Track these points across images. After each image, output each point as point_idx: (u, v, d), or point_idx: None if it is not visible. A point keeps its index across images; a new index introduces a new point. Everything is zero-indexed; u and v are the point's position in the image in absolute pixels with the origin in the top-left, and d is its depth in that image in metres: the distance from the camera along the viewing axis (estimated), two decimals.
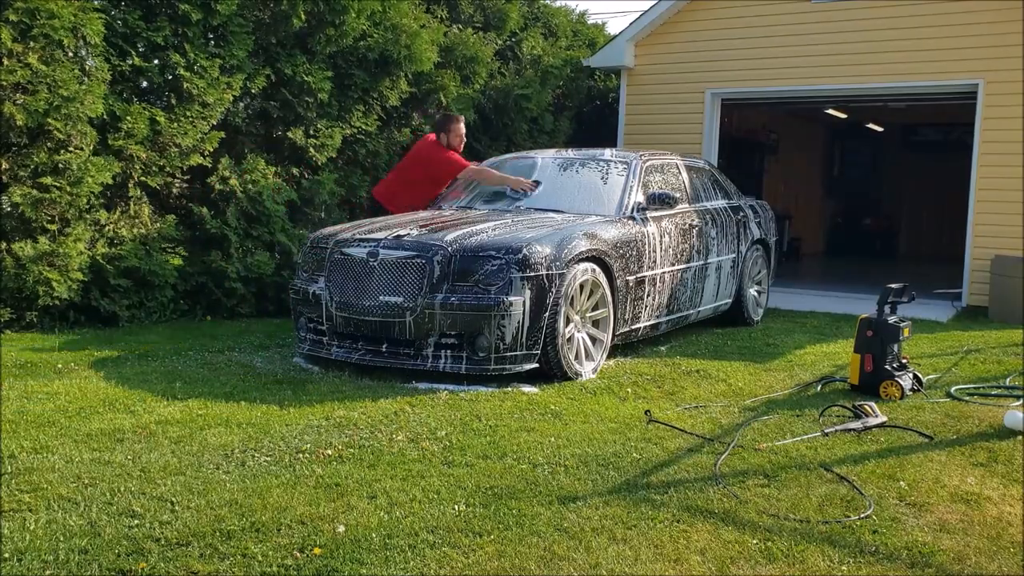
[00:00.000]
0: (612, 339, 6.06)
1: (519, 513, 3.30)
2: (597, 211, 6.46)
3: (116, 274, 7.12)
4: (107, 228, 7.16)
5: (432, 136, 7.75)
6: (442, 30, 9.67)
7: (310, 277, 6.02)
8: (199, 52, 7.42)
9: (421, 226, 5.91)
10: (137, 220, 7.35)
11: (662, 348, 6.84)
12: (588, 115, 12.34)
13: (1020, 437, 4.42)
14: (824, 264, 15.97)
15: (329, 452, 3.95)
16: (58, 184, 6.57)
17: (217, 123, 7.82)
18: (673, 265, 6.79)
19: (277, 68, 8.19)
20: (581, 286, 5.72)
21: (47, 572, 2.79)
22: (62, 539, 3.00)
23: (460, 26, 10.33)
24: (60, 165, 6.59)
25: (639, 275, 6.32)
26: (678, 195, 6.88)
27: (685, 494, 3.56)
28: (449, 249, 5.45)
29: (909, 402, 5.16)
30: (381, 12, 8.76)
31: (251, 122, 8.29)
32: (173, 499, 3.35)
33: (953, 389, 5.43)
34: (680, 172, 7.45)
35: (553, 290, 5.45)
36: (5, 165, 6.46)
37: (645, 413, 4.68)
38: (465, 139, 7.82)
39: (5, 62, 6.31)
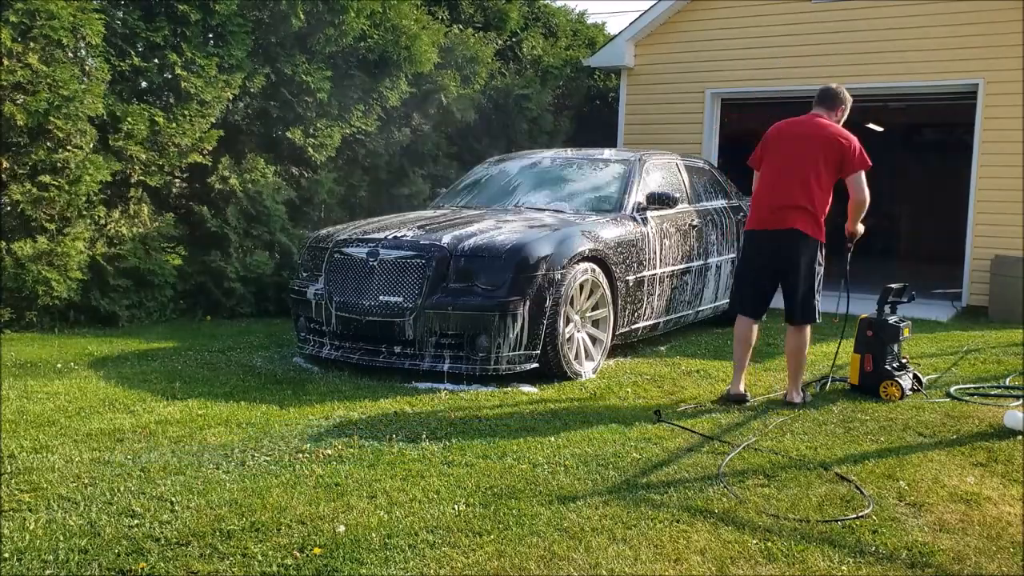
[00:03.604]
0: (612, 339, 6.06)
1: (519, 513, 3.30)
2: (597, 211, 6.46)
3: (116, 273, 7.12)
4: (107, 227, 7.16)
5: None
6: (442, 30, 9.67)
7: (310, 277, 6.02)
8: (197, 51, 7.42)
9: (420, 226, 5.91)
10: (137, 219, 7.36)
11: (662, 348, 6.84)
12: (588, 115, 12.34)
13: (1020, 437, 4.42)
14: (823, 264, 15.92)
15: (329, 452, 3.95)
16: (56, 183, 6.57)
17: (217, 123, 7.83)
18: (673, 265, 6.78)
19: (277, 68, 8.19)
20: (581, 286, 5.71)
21: (47, 572, 2.79)
22: (62, 539, 2.99)
23: (460, 26, 10.34)
24: (59, 164, 6.59)
25: (639, 275, 6.32)
26: (678, 195, 6.87)
27: (685, 494, 3.56)
28: (449, 249, 5.45)
29: (909, 402, 5.15)
30: (381, 13, 8.76)
31: (251, 122, 8.29)
32: (173, 499, 3.35)
33: (953, 389, 5.43)
34: (680, 172, 7.44)
35: (553, 290, 5.45)
36: (5, 164, 6.47)
37: (654, 413, 4.68)
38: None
39: (5, 62, 6.31)
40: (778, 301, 5.25)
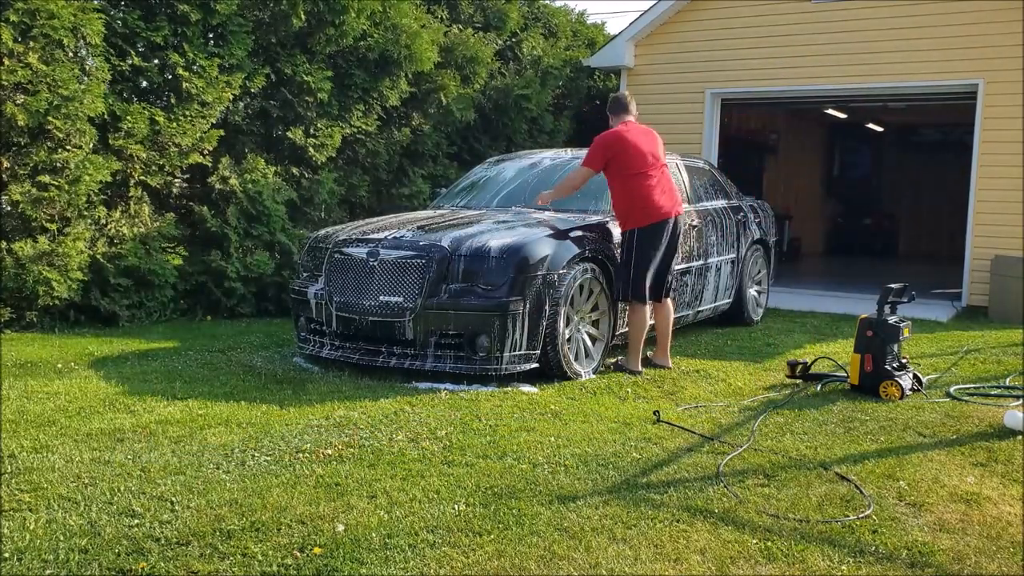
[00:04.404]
0: (612, 339, 6.06)
1: (519, 513, 3.30)
2: (597, 211, 6.45)
3: (116, 273, 7.12)
4: (107, 227, 7.17)
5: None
6: (442, 30, 9.68)
7: (310, 278, 6.02)
8: (198, 52, 7.42)
9: (420, 227, 5.91)
10: (137, 219, 7.36)
11: None
12: (588, 115, 12.33)
13: (1020, 437, 4.42)
14: (824, 264, 15.98)
15: (329, 452, 3.95)
16: (56, 183, 6.58)
17: (217, 122, 7.83)
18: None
19: (277, 68, 8.20)
20: (581, 286, 5.72)
21: (47, 572, 2.80)
22: (62, 539, 3.00)
23: (460, 26, 10.34)
24: (59, 164, 6.59)
25: None
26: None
27: (685, 494, 3.56)
28: (449, 249, 5.45)
29: (909, 402, 5.16)
30: (381, 12, 8.77)
31: (251, 122, 8.29)
32: (173, 499, 3.35)
33: (953, 389, 5.44)
34: (680, 172, 7.44)
35: (553, 290, 5.45)
36: (5, 164, 6.47)
37: (654, 413, 4.68)
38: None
39: (6, 62, 6.31)
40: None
